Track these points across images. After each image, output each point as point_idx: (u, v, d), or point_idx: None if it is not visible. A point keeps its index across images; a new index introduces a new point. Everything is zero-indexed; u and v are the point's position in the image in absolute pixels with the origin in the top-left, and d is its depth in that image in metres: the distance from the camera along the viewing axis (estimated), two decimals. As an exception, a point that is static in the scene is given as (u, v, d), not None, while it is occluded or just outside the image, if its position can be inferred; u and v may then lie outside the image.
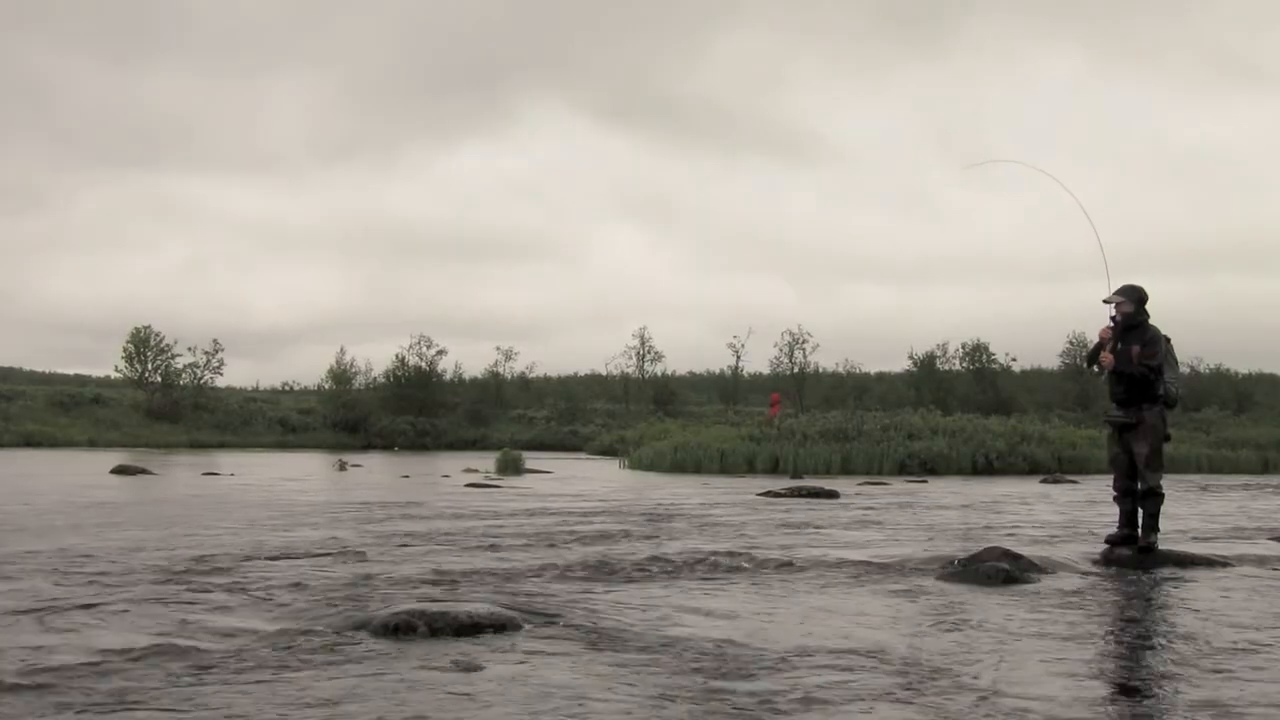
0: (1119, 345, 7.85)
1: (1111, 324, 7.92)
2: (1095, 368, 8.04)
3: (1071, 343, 62.32)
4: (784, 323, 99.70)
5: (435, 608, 5.15)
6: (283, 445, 51.13)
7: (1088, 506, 14.49)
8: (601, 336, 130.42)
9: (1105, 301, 7.97)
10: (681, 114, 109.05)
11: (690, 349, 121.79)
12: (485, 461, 29.36)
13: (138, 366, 56.01)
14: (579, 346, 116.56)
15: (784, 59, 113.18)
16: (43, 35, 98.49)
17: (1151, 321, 7.94)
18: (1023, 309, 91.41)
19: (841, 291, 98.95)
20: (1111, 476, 8.21)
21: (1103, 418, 8.47)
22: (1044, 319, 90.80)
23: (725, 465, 27.91)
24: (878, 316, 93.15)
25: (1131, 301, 7.91)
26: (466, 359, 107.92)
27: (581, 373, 75.16)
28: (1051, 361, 65.38)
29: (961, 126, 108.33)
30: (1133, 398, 7.86)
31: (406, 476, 22.80)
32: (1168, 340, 7.94)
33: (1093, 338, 8.35)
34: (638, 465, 30.18)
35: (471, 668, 4.21)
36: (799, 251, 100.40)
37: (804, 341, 63.53)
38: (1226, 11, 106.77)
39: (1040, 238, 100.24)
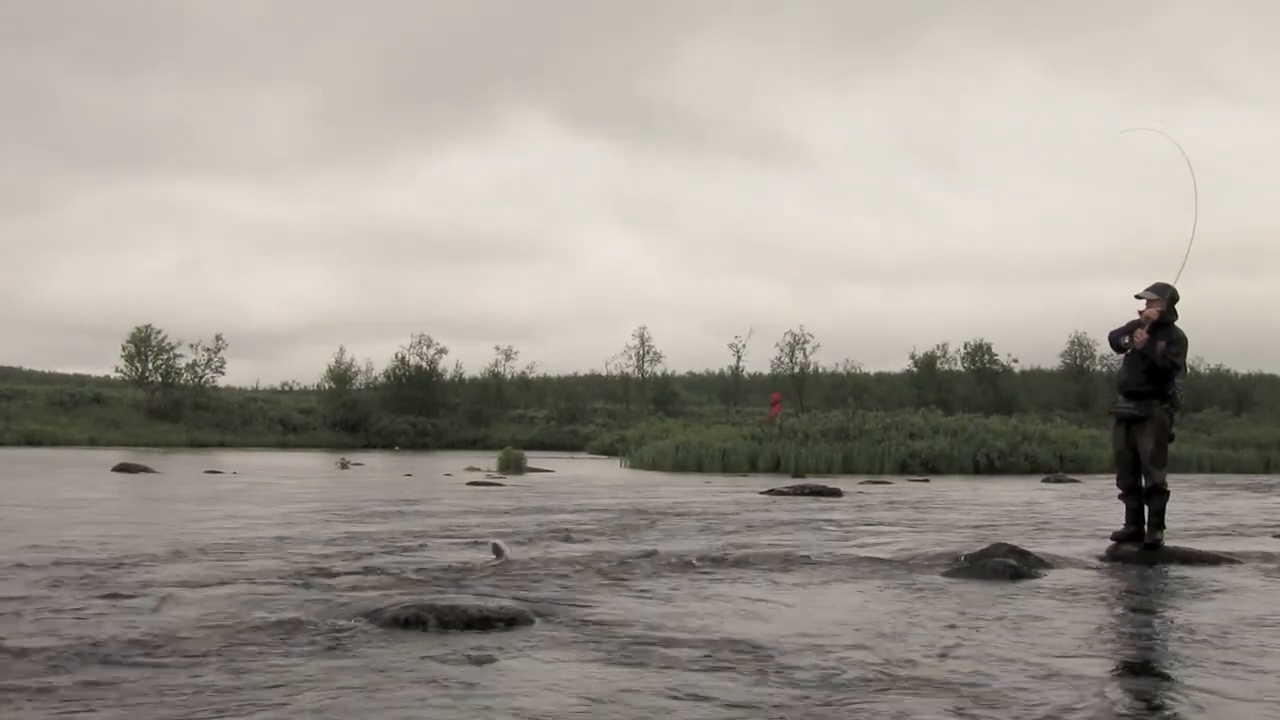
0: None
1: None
2: (1125, 340, 7.97)
3: (1073, 343, 62.40)
4: (780, 323, 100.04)
5: (445, 601, 5.14)
6: (283, 445, 51.17)
7: (1091, 505, 14.51)
8: (601, 337, 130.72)
9: (1138, 296, 7.96)
10: (659, 120, 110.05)
11: (687, 349, 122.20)
12: (487, 461, 29.39)
13: (138, 366, 56.08)
14: (579, 346, 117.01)
15: (755, 68, 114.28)
16: (43, 43, 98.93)
17: (1177, 324, 7.94)
18: (1023, 309, 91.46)
19: (836, 292, 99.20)
20: (1114, 475, 8.20)
21: (1109, 410, 8.45)
22: (1044, 319, 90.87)
23: (727, 464, 27.95)
24: (873, 317, 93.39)
25: (1164, 300, 7.91)
26: (466, 359, 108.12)
27: (581, 373, 75.24)
28: (1052, 362, 65.42)
29: (932, 133, 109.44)
30: (1148, 390, 7.84)
31: (409, 475, 22.81)
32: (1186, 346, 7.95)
33: (1094, 336, 8.36)
34: (639, 464, 30.20)
35: (484, 661, 4.21)
36: (792, 253, 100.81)
37: (805, 342, 63.62)
38: (1181, 20, 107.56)
39: (1041, 238, 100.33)
